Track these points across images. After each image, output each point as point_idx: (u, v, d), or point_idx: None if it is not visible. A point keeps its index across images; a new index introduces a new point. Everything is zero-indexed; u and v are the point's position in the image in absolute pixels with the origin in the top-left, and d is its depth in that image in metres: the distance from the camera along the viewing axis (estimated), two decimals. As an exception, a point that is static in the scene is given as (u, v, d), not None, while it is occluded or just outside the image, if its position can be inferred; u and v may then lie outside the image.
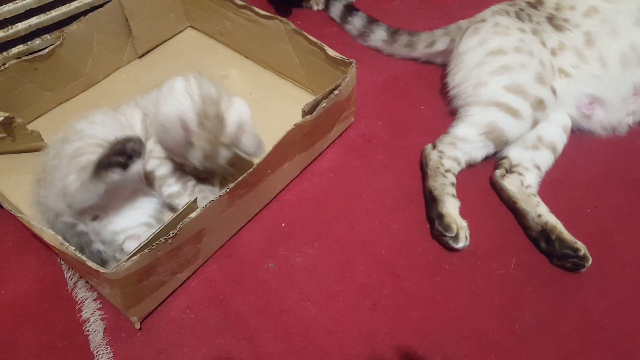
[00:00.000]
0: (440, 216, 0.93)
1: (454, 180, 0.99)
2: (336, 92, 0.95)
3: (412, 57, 1.24)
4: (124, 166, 0.79)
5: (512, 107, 0.99)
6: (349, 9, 1.29)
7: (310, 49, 1.07)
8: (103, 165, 0.78)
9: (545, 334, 0.84)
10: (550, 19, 1.08)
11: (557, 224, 0.93)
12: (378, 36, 1.23)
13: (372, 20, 1.25)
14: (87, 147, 0.82)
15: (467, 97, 1.04)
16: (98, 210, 0.87)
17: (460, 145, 1.00)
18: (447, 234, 0.91)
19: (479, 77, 1.04)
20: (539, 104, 1.00)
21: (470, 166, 1.04)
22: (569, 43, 1.05)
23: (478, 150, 1.01)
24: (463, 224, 0.94)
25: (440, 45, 1.18)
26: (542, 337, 0.84)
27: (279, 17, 1.09)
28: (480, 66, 1.04)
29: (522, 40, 1.04)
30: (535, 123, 1.01)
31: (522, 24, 1.07)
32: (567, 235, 0.91)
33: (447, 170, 0.99)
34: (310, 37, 1.05)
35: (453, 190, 0.98)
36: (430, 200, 0.96)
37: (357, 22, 1.26)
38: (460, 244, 0.91)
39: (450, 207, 0.95)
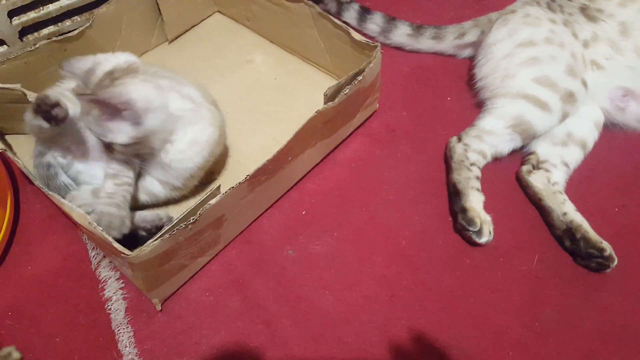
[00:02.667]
0: (464, 210, 0.92)
1: (479, 174, 0.97)
2: (360, 77, 0.94)
3: (439, 50, 1.21)
4: (49, 122, 0.80)
5: (540, 99, 0.97)
6: (365, 10, 1.24)
7: (336, 32, 1.05)
8: (33, 112, 0.80)
9: (566, 332, 0.83)
10: (584, 10, 1.04)
11: (582, 222, 0.91)
12: (402, 31, 1.20)
13: (392, 18, 1.21)
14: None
15: (495, 89, 1.02)
16: (65, 152, 0.89)
17: (487, 138, 0.98)
18: (470, 229, 0.90)
19: (508, 68, 1.01)
20: (569, 97, 0.97)
21: (496, 160, 1.02)
22: (602, 34, 1.01)
23: (505, 143, 0.99)
24: (487, 218, 0.93)
25: (470, 37, 1.15)
26: (562, 335, 0.83)
27: (305, 0, 1.07)
28: (509, 57, 1.02)
29: (552, 31, 1.01)
30: (564, 117, 0.98)
31: (554, 14, 1.04)
32: (592, 234, 0.89)
33: (472, 164, 0.97)
34: (336, 21, 1.04)
35: (478, 184, 0.96)
36: (454, 194, 0.95)
37: (377, 19, 1.21)
38: (484, 238, 0.90)
39: (475, 201, 0.93)
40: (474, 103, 1.11)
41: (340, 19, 1.25)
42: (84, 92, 0.80)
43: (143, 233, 0.88)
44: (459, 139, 1.00)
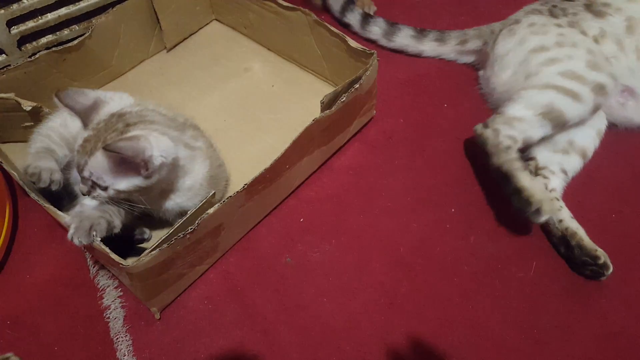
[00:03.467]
0: (518, 191, 0.88)
1: (517, 156, 0.94)
2: (356, 85, 0.94)
3: (440, 53, 1.21)
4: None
5: (570, 90, 0.95)
6: (367, 15, 1.25)
7: (332, 40, 1.06)
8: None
9: (565, 340, 0.83)
10: (589, 6, 1.04)
11: (578, 230, 0.91)
12: (406, 32, 1.21)
13: (394, 22, 1.22)
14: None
15: (519, 87, 1.00)
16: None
17: (517, 125, 0.95)
18: (527, 209, 0.87)
19: (528, 69, 1.00)
20: (600, 89, 0.95)
21: (527, 147, 0.99)
22: (610, 30, 1.01)
23: (535, 129, 0.96)
24: (547, 195, 0.89)
25: (471, 45, 1.16)
26: (561, 342, 0.83)
27: (301, 8, 1.08)
28: (525, 62, 1.02)
29: (561, 34, 1.01)
30: (596, 108, 0.97)
31: (557, 19, 1.04)
32: (587, 242, 0.89)
33: (508, 147, 0.93)
34: (332, 28, 1.04)
35: (522, 164, 0.92)
36: (502, 178, 0.91)
37: (380, 22, 1.22)
38: (544, 217, 0.86)
39: (526, 179, 0.89)
40: (472, 109, 1.12)
41: (343, 20, 1.27)
42: (96, 140, 0.76)
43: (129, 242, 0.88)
44: (485, 125, 0.97)
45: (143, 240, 0.91)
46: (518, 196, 0.88)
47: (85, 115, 0.79)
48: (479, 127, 0.98)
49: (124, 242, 0.87)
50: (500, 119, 0.96)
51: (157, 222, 0.92)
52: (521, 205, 0.87)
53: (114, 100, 0.83)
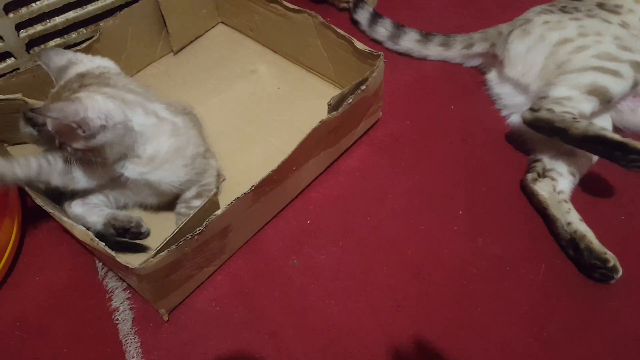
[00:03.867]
0: (621, 145, 0.87)
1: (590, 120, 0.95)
2: (363, 87, 0.94)
3: (446, 58, 1.21)
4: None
5: (609, 68, 0.94)
6: (377, 13, 1.25)
7: (338, 42, 1.06)
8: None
9: (574, 343, 0.83)
10: (602, 5, 1.04)
11: (587, 232, 0.90)
12: (411, 36, 1.21)
13: (402, 25, 1.22)
14: None
15: (554, 76, 0.99)
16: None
17: (566, 103, 0.94)
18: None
19: (558, 59, 1.00)
20: (638, 66, 0.95)
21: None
22: (631, 21, 1.01)
23: (584, 104, 0.95)
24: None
25: (477, 48, 1.16)
26: (570, 346, 0.82)
27: (307, 10, 1.08)
28: (553, 54, 1.01)
29: (581, 26, 1.00)
30: (635, 84, 0.97)
31: (572, 15, 1.04)
32: (596, 244, 0.89)
33: (574, 117, 0.92)
34: (339, 30, 1.04)
35: (599, 125, 0.92)
36: (595, 142, 0.89)
37: (388, 24, 1.22)
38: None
39: (617, 136, 0.89)
40: (479, 111, 1.11)
41: (353, 17, 1.28)
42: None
43: (111, 230, 0.87)
44: (534, 109, 0.96)
45: (140, 235, 0.88)
46: (626, 147, 0.86)
47: (58, 73, 0.83)
48: (528, 113, 0.96)
49: (120, 237, 0.87)
50: (547, 101, 0.96)
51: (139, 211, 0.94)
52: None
53: (84, 61, 0.85)
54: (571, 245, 0.90)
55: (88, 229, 0.81)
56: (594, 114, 0.98)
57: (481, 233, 0.95)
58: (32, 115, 0.80)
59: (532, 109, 0.97)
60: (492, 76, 1.15)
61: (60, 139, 0.79)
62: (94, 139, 0.77)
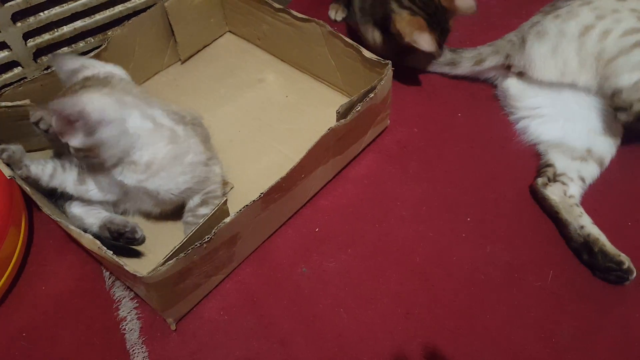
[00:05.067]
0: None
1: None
2: (371, 95, 0.95)
3: (455, 75, 1.19)
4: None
5: None
6: None
7: (346, 51, 1.07)
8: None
9: (584, 349, 0.82)
10: None
11: (600, 236, 0.90)
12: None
13: None
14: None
15: (602, 69, 0.97)
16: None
17: None
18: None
19: (592, 51, 0.97)
20: None
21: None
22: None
23: None
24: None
25: (491, 62, 1.13)
26: (580, 352, 0.82)
27: (315, 19, 1.09)
28: (583, 47, 0.99)
29: (595, 8, 0.99)
30: None
31: (580, 2, 1.02)
32: (610, 247, 0.89)
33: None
34: (347, 39, 1.05)
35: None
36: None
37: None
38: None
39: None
40: (485, 118, 1.12)
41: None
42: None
43: (106, 233, 0.87)
44: (623, 108, 0.93)
45: (134, 240, 0.88)
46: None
47: (68, 77, 0.87)
48: (623, 115, 0.93)
49: (115, 241, 0.87)
50: (626, 92, 0.93)
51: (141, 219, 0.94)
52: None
53: (95, 66, 0.89)
54: (585, 249, 0.90)
55: (85, 230, 0.82)
56: None
57: (489, 240, 0.95)
58: (38, 114, 0.82)
59: (623, 109, 0.93)
60: (508, 85, 1.11)
61: (62, 138, 0.81)
62: (92, 135, 0.79)
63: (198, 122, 0.94)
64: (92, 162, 0.84)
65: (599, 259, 0.88)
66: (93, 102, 0.79)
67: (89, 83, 0.84)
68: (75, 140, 0.79)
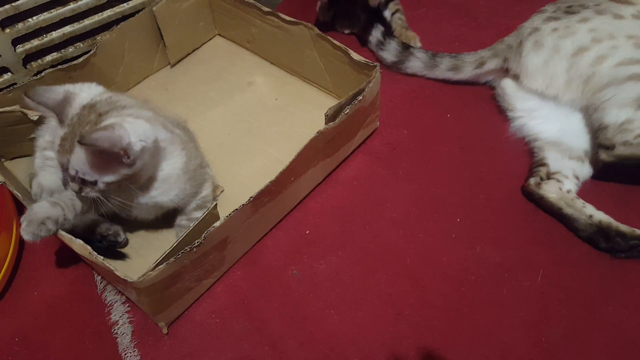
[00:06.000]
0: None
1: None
2: (360, 97, 0.95)
3: (456, 80, 1.18)
4: None
5: None
6: (386, 36, 1.22)
7: (335, 53, 1.07)
8: None
9: (573, 348, 0.83)
10: None
11: (610, 220, 0.92)
12: (417, 65, 1.18)
13: (407, 46, 1.20)
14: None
15: (590, 96, 0.97)
16: None
17: (632, 126, 0.91)
18: None
19: (582, 73, 0.97)
20: None
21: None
22: None
23: None
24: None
25: (490, 65, 1.13)
26: (569, 351, 0.82)
27: (304, 22, 1.09)
28: (573, 67, 0.99)
29: (592, 29, 0.98)
30: None
31: (579, 15, 1.01)
32: (624, 227, 0.91)
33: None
34: (335, 42, 1.05)
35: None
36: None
37: (392, 48, 1.20)
38: None
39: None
40: (475, 119, 1.12)
41: (365, 37, 1.25)
42: (72, 133, 0.75)
43: (89, 235, 0.87)
44: (608, 147, 0.93)
45: (117, 243, 0.88)
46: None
47: (59, 111, 0.78)
48: (604, 154, 0.94)
49: (98, 243, 0.88)
50: (611, 131, 0.93)
51: (125, 223, 0.92)
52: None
53: (83, 91, 0.82)
54: (601, 236, 0.91)
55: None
56: None
57: (479, 240, 0.95)
58: (81, 156, 0.74)
59: (605, 147, 0.93)
60: (505, 85, 1.11)
61: (87, 178, 0.76)
62: (135, 164, 0.75)
63: (185, 126, 0.95)
64: (118, 189, 0.79)
65: (619, 241, 0.90)
66: (135, 129, 0.73)
67: (102, 109, 0.77)
68: (112, 176, 0.75)
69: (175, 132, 0.86)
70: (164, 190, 0.84)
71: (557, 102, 1.03)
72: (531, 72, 1.05)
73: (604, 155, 0.95)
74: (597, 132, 0.96)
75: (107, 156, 0.73)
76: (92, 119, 0.76)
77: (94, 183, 0.76)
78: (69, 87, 0.82)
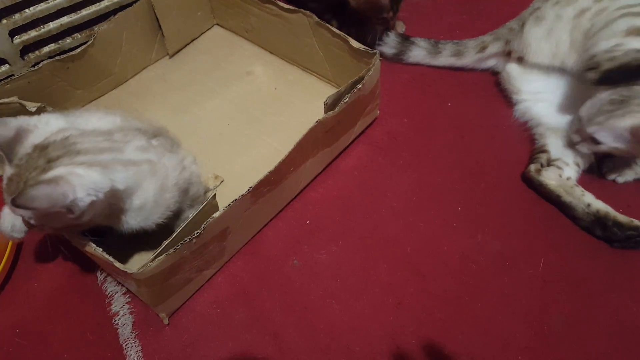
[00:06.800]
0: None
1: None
2: (359, 85, 0.94)
3: (459, 66, 1.18)
4: None
5: (637, 11, 0.90)
6: (386, 31, 1.20)
7: (334, 41, 1.06)
8: None
9: (575, 336, 0.82)
10: None
11: (607, 209, 0.92)
12: (419, 52, 1.18)
13: (407, 37, 1.19)
14: None
15: (587, 42, 0.95)
16: None
17: (619, 49, 0.88)
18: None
19: (582, 28, 0.96)
20: None
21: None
22: None
23: (634, 43, 0.88)
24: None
25: (492, 49, 1.13)
26: (571, 339, 0.82)
27: (302, 10, 1.08)
28: (576, 27, 0.97)
29: None
30: None
31: None
32: (622, 217, 0.90)
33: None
34: (334, 29, 1.04)
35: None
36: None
37: (391, 40, 1.19)
38: None
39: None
40: (476, 107, 1.11)
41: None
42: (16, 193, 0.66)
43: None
44: (593, 68, 0.91)
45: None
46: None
47: (8, 148, 0.71)
48: (591, 74, 0.90)
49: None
50: (599, 56, 0.90)
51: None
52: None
53: (39, 127, 0.74)
54: (598, 225, 0.91)
55: None
56: None
57: (480, 229, 0.95)
58: (20, 211, 0.68)
59: (592, 69, 0.91)
60: (510, 68, 1.10)
61: (40, 225, 0.71)
62: (82, 217, 0.70)
63: (164, 134, 0.88)
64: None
65: (616, 231, 0.89)
66: (83, 183, 0.67)
67: (53, 154, 0.69)
68: (61, 224, 0.71)
69: (141, 161, 0.77)
70: (144, 217, 0.79)
71: (563, 73, 1.02)
72: (534, 46, 1.04)
73: (591, 75, 0.92)
74: (585, 63, 0.94)
75: (53, 212, 0.67)
76: (40, 165, 0.68)
77: (42, 227, 0.73)
78: (24, 122, 0.74)
